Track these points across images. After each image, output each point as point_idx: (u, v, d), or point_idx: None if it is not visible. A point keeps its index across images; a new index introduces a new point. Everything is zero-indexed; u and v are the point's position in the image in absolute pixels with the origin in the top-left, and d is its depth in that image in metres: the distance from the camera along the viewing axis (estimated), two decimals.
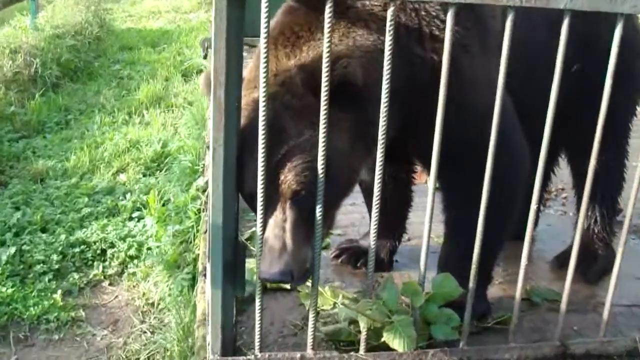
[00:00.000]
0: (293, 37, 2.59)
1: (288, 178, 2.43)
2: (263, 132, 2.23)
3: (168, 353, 3.24)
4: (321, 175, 2.34)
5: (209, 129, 2.24)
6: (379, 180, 2.44)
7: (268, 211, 2.45)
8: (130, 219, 4.80)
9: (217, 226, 2.32)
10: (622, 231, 2.87)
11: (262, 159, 2.26)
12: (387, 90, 2.29)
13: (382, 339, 2.57)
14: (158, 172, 5.61)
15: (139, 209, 4.88)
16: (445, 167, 2.58)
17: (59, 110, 7.23)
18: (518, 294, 2.72)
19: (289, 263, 2.43)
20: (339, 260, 3.61)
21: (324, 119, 2.28)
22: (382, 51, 2.49)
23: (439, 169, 2.51)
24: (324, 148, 2.31)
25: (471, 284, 2.63)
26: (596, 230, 3.76)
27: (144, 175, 5.56)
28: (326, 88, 2.25)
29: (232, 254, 2.44)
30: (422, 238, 2.58)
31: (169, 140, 6.17)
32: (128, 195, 5.06)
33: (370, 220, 2.49)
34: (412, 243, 3.72)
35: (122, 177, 5.47)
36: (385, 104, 2.32)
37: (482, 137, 2.57)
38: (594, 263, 3.69)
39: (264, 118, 2.22)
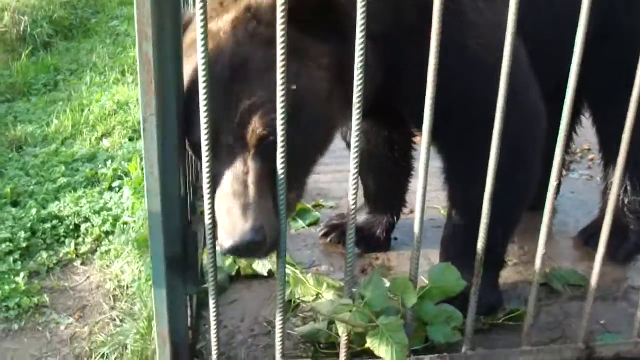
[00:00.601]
0: None
1: (253, 120, 1.97)
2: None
3: (127, 352, 2.83)
4: (282, 115, 1.84)
5: (140, 97, 1.77)
6: (357, 134, 1.93)
7: (225, 165, 1.99)
8: (110, 189, 4.36)
9: (155, 215, 1.87)
10: None
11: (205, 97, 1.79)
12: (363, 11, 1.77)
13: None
14: None
15: (120, 178, 4.45)
16: (444, 128, 2.15)
17: (47, 71, 6.76)
18: (535, 287, 2.25)
19: (258, 219, 1.95)
20: (328, 239, 3.18)
21: (282, 42, 1.77)
22: None
23: (436, 131, 2.01)
24: (283, 81, 1.81)
25: (477, 270, 2.17)
26: (627, 202, 3.28)
27: (130, 140, 5.11)
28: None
29: (180, 246, 1.99)
30: (415, 219, 2.10)
31: None
32: (109, 163, 4.62)
33: (349, 190, 2.00)
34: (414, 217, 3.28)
35: (106, 143, 5.03)
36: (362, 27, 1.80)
37: (488, 91, 2.08)
38: (625, 240, 3.23)
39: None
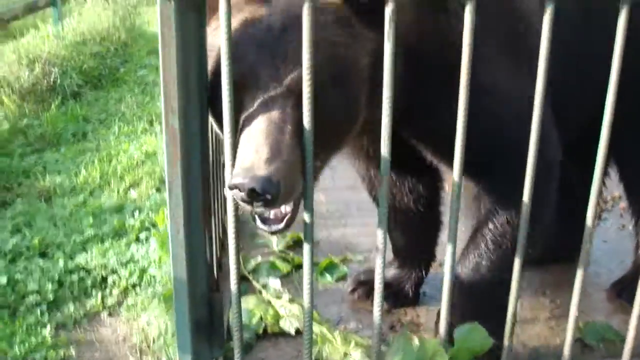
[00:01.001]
0: None
1: (296, 73, 1.96)
2: None
3: None
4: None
5: (164, 163, 1.78)
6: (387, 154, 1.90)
7: (261, 110, 1.93)
8: (137, 240, 4.38)
9: (181, 280, 1.86)
10: None
11: None
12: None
13: None
14: None
15: (147, 229, 4.47)
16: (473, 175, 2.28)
17: (76, 121, 6.85)
18: (568, 348, 2.19)
19: (279, 171, 1.85)
20: (356, 296, 3.14)
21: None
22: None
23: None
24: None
25: (508, 330, 2.13)
26: None
27: (157, 190, 5.13)
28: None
29: (206, 310, 1.98)
30: (444, 279, 2.07)
31: None
32: (137, 214, 4.65)
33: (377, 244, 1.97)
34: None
35: (133, 194, 5.06)
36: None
37: (503, 144, 2.12)
38: None
39: None
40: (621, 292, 3.19)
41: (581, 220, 3.61)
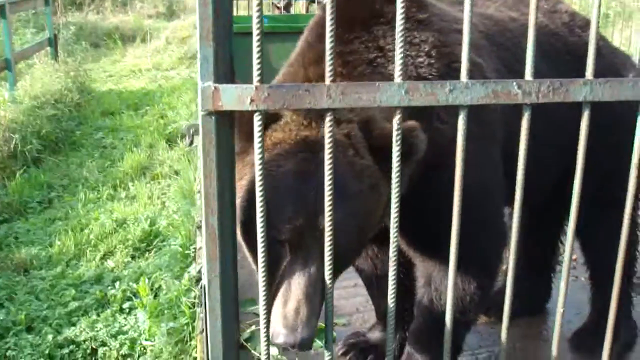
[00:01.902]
0: None
1: (340, 238, 2.13)
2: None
3: None
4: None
5: (203, 259, 2.01)
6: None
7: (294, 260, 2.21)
8: (121, 310, 4.54)
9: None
10: None
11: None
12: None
13: None
14: (147, 253, 5.37)
15: (129, 299, 4.63)
16: (422, 243, 2.65)
17: (41, 188, 6.98)
18: None
19: (314, 327, 2.17)
20: (347, 358, 3.38)
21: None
22: None
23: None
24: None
25: None
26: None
27: (133, 258, 5.31)
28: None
29: None
30: None
31: (157, 216, 5.93)
32: (117, 284, 4.81)
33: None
34: None
35: (110, 263, 5.21)
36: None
37: (467, 218, 2.46)
38: (616, 339, 3.49)
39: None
40: (580, 344, 3.52)
41: (547, 278, 4.00)
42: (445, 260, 2.72)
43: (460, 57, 2.72)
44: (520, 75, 2.11)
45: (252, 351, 3.20)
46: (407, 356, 3.13)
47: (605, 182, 3.25)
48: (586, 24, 3.46)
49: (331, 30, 1.89)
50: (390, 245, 2.07)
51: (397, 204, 2.04)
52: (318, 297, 2.21)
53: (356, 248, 2.45)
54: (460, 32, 2.82)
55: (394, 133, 1.98)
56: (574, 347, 3.57)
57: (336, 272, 2.30)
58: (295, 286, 2.19)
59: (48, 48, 12.21)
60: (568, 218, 3.63)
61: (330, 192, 1.97)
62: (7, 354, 4.06)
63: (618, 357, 3.41)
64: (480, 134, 2.78)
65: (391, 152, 1.97)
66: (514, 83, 2.05)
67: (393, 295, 2.13)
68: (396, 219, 2.06)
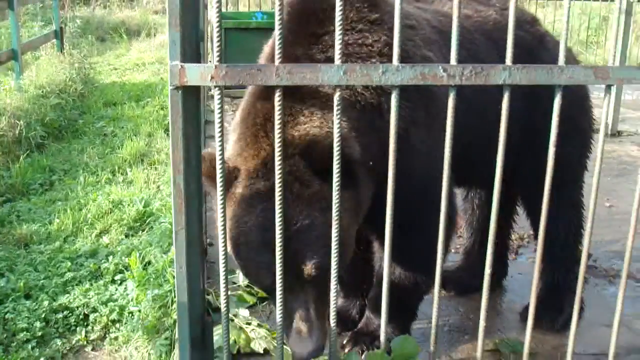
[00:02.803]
0: None
1: (308, 267, 2.58)
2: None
3: None
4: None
5: (172, 214, 2.35)
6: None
7: (289, 294, 2.59)
8: (113, 281, 4.88)
9: (182, 306, 2.43)
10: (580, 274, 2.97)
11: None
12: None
13: None
14: (141, 232, 5.71)
15: (121, 272, 4.96)
16: (379, 224, 2.75)
17: (43, 172, 7.32)
18: (479, 353, 2.81)
19: (320, 338, 2.63)
20: None
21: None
22: (356, 130, 2.76)
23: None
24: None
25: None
26: (560, 279, 3.88)
27: (127, 236, 5.64)
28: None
29: (200, 330, 2.54)
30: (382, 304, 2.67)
31: (152, 198, 6.27)
32: (110, 258, 5.14)
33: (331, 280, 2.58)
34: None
35: (105, 239, 5.55)
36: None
37: (420, 200, 2.83)
38: (561, 311, 3.81)
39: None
40: (528, 316, 3.84)
41: (502, 256, 4.31)
42: (397, 240, 3.05)
43: (412, 53, 3.07)
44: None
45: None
46: (367, 320, 3.47)
47: (556, 164, 3.52)
48: (532, 19, 3.80)
49: (279, 19, 2.23)
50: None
51: (337, 204, 2.37)
52: (316, 312, 2.65)
53: (345, 253, 2.74)
54: (411, 27, 3.17)
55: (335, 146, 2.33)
56: (523, 319, 3.89)
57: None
58: (297, 317, 2.64)
59: (54, 40, 12.58)
60: (521, 197, 3.99)
61: (280, 219, 2.34)
62: (6, 316, 4.39)
63: (563, 328, 3.72)
64: (430, 123, 3.09)
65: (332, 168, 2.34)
66: (440, 67, 2.39)
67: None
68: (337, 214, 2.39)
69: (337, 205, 2.37)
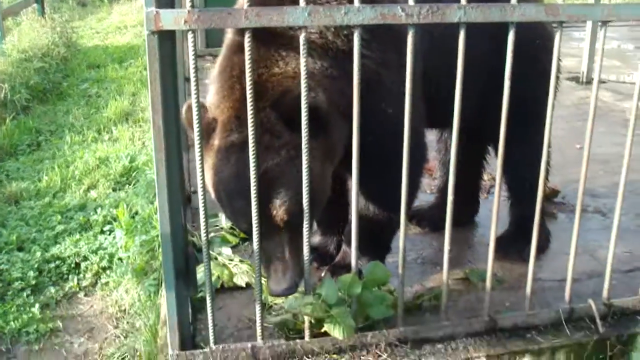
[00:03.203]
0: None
1: (279, 213, 2.77)
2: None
3: (138, 354, 3.54)
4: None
5: (153, 152, 2.53)
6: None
7: (265, 237, 2.78)
8: (102, 232, 5.07)
9: (166, 237, 2.62)
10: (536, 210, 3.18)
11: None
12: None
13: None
14: (127, 185, 5.88)
15: (109, 223, 5.15)
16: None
17: (30, 133, 7.47)
18: (445, 275, 3.03)
19: (293, 277, 2.84)
20: None
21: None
22: (330, 76, 2.89)
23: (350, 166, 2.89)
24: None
25: (401, 264, 2.94)
26: (527, 213, 4.08)
27: (114, 190, 5.83)
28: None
29: (183, 260, 2.73)
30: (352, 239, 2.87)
31: (137, 154, 6.44)
32: (99, 210, 5.32)
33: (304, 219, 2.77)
34: None
35: (93, 194, 5.73)
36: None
37: (391, 139, 2.92)
38: (528, 243, 4.02)
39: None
40: (498, 247, 4.05)
41: (474, 194, 4.51)
42: (370, 179, 3.22)
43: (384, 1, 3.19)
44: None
45: (211, 252, 3.71)
46: (343, 253, 3.67)
47: (521, 104, 3.54)
48: None
49: None
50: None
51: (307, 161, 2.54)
52: (291, 253, 2.85)
53: (318, 198, 2.92)
54: None
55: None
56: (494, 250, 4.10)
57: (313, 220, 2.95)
58: (271, 254, 2.85)
59: (35, 5, 12.59)
60: (490, 137, 4.17)
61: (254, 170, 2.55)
62: (1, 267, 4.58)
63: (529, 257, 3.93)
64: (403, 63, 3.23)
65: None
66: (399, 7, 2.56)
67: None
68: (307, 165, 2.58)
69: (306, 154, 2.58)
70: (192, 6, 2.40)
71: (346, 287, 2.92)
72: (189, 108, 2.74)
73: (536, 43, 3.66)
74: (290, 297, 3.09)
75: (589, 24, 8.22)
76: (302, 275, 2.87)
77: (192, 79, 2.46)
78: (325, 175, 2.98)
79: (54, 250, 4.80)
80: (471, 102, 3.73)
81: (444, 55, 3.34)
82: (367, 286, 2.97)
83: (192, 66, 2.45)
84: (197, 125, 2.51)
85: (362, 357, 2.94)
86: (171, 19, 2.40)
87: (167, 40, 2.50)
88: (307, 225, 2.73)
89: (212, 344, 2.86)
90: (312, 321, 2.90)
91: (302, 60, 2.51)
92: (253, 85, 2.51)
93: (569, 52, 9.76)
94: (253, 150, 2.53)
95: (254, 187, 2.57)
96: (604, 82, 8.54)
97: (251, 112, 2.51)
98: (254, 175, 2.56)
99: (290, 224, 2.81)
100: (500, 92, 3.02)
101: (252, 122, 2.52)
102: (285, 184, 2.76)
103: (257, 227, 2.65)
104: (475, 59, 3.41)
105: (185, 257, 2.77)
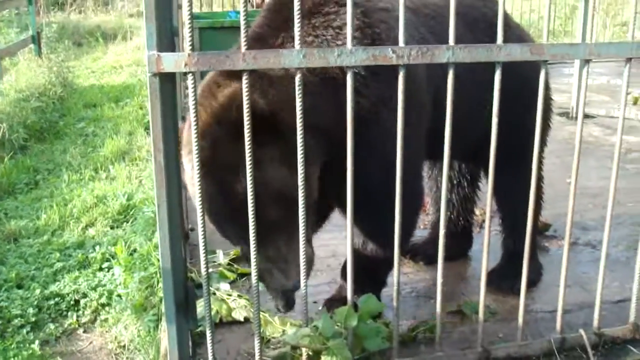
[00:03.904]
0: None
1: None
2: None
3: None
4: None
5: (154, 189, 2.62)
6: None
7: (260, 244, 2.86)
8: (101, 269, 5.12)
9: (167, 271, 2.70)
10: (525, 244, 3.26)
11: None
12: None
13: None
14: (125, 223, 5.95)
15: (108, 260, 5.21)
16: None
17: (27, 172, 7.54)
18: (438, 307, 3.11)
19: (294, 275, 3.06)
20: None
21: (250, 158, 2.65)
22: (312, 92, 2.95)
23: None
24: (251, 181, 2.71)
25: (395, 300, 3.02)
26: (519, 247, 4.17)
27: (112, 228, 5.89)
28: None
29: (183, 294, 2.81)
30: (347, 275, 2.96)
31: (134, 192, 6.52)
32: (97, 248, 5.38)
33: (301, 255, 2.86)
34: None
35: (91, 231, 5.80)
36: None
37: (389, 180, 2.99)
38: (520, 275, 4.10)
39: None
40: (490, 282, 4.13)
41: (467, 228, 4.60)
42: (366, 217, 3.31)
43: (385, 36, 3.29)
44: (446, 40, 2.73)
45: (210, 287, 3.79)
46: (339, 287, 3.75)
47: (514, 139, 3.72)
48: None
49: (244, 13, 2.50)
50: None
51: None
52: (292, 258, 3.02)
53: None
54: (384, 10, 3.38)
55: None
56: (487, 283, 4.18)
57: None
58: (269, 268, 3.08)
59: (32, 45, 12.76)
60: (485, 173, 4.27)
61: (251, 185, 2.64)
62: (0, 305, 4.63)
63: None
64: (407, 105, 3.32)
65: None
66: (389, 49, 2.68)
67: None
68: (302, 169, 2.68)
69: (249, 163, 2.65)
70: (192, 49, 2.51)
71: (342, 319, 3.00)
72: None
73: (533, 79, 3.79)
74: (288, 331, 3.17)
75: (577, 61, 8.40)
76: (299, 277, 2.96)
77: (192, 118, 2.56)
78: (289, 181, 2.95)
79: (53, 287, 4.85)
80: (470, 137, 3.80)
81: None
82: (362, 318, 3.04)
83: (192, 106, 2.56)
84: (197, 152, 2.60)
85: None
86: (172, 62, 2.51)
87: (167, 82, 2.61)
88: (302, 232, 2.82)
89: None
90: (310, 353, 2.97)
91: (298, 101, 2.62)
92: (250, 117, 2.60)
93: (559, 87, 9.93)
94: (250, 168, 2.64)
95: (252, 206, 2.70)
96: (593, 117, 8.70)
97: (249, 143, 2.61)
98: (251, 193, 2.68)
99: (268, 233, 2.94)
100: (500, 123, 3.07)
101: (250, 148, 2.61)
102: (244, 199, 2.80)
103: (254, 251, 2.73)
104: (476, 92, 3.50)
105: (185, 291, 2.84)
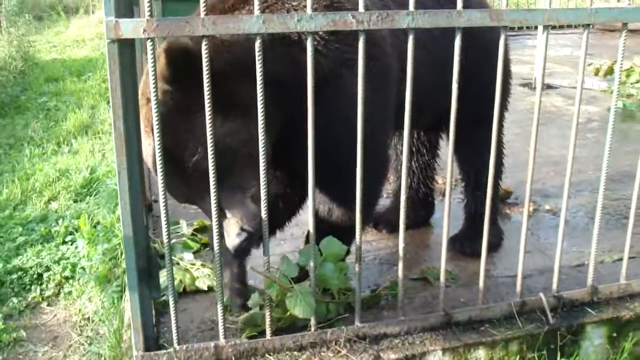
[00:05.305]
0: None
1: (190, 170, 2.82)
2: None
3: (102, 359, 3.58)
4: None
5: (114, 155, 2.60)
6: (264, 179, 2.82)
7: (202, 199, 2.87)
8: (64, 242, 5.09)
9: (128, 239, 2.68)
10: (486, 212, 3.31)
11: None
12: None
13: (288, 314, 2.98)
14: (88, 197, 5.91)
15: (71, 233, 5.18)
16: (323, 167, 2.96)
17: None
18: (400, 272, 3.13)
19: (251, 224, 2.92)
20: None
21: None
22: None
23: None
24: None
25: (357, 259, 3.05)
26: (480, 212, 4.23)
27: (75, 202, 5.85)
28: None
29: (145, 262, 2.80)
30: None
31: (97, 166, 6.47)
32: (60, 222, 5.34)
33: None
34: None
35: (54, 205, 5.75)
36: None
37: (351, 148, 2.98)
38: (481, 240, 4.16)
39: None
40: (453, 245, 4.19)
41: (429, 196, 4.64)
42: (330, 185, 3.31)
43: (344, 1, 3.27)
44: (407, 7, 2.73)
45: (173, 257, 3.78)
46: None
47: (474, 104, 3.72)
48: None
49: None
50: None
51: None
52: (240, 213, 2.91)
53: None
54: None
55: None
56: (449, 249, 4.23)
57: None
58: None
59: None
60: (444, 139, 4.30)
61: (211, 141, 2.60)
62: None
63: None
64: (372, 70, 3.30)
65: None
66: (349, 14, 2.67)
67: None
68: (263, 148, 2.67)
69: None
70: (151, 16, 2.48)
71: (306, 256, 3.02)
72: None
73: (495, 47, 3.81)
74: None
75: (540, 31, 8.47)
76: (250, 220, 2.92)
77: (152, 85, 2.54)
78: (236, 133, 2.89)
79: (16, 261, 4.81)
80: (434, 101, 3.79)
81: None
82: (326, 259, 3.08)
83: (151, 74, 2.53)
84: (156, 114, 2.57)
85: (322, 354, 3.03)
86: (130, 28, 2.48)
87: (126, 48, 2.58)
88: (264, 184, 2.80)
89: (175, 345, 2.93)
90: (276, 306, 3.00)
91: (258, 66, 2.61)
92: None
93: (522, 58, 10.03)
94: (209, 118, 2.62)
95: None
96: (556, 88, 8.80)
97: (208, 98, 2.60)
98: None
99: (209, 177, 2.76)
100: (462, 90, 3.06)
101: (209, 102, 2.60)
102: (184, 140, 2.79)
103: (215, 206, 2.73)
104: (440, 57, 3.50)
105: (147, 259, 2.83)
